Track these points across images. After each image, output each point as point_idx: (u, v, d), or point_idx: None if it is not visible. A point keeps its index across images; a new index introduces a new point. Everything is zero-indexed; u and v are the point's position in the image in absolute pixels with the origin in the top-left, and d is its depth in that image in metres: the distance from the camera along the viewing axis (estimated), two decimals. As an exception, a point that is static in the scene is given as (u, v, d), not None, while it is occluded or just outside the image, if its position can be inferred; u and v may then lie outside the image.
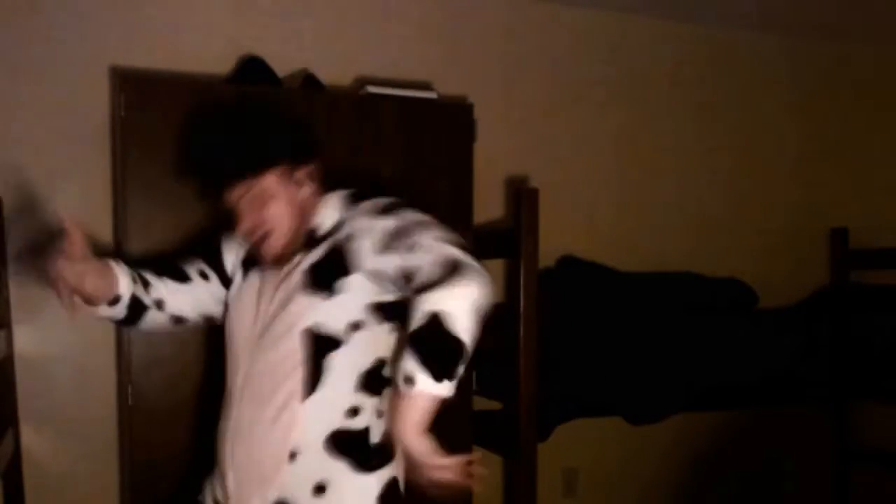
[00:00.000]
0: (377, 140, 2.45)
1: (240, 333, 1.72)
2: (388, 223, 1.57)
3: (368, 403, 1.63)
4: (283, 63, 2.70)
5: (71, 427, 2.58)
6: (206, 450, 1.79)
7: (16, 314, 2.47)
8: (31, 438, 2.52)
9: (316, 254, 1.65)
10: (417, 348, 1.43)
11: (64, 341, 2.57)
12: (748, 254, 3.54)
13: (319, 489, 1.59)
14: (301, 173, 1.70)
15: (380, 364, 1.64)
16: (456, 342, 1.44)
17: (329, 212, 1.70)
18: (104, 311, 1.76)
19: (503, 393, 2.70)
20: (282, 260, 1.69)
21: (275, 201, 1.66)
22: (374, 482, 1.63)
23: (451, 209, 2.51)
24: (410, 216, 1.59)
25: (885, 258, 3.50)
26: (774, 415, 3.56)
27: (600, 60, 3.33)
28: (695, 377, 2.90)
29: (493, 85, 3.12)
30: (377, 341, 1.63)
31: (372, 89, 2.56)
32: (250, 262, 1.79)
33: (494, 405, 2.84)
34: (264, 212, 1.66)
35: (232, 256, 1.86)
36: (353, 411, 1.61)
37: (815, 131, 3.72)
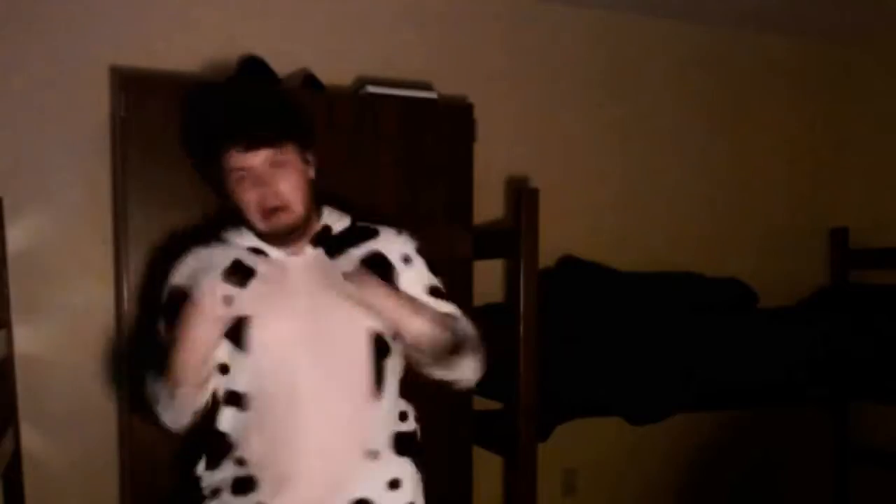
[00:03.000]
0: (377, 140, 2.44)
1: (284, 332, 1.64)
2: (432, 280, 1.77)
3: (409, 407, 1.76)
4: (283, 63, 2.69)
5: (71, 427, 2.58)
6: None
7: (16, 314, 2.47)
8: (31, 438, 2.51)
9: (358, 253, 1.69)
10: None
11: (64, 341, 2.57)
12: (748, 254, 3.54)
13: (394, 484, 1.70)
14: (310, 156, 1.72)
15: (406, 372, 1.75)
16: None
17: (335, 215, 1.76)
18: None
19: (503, 393, 2.69)
20: (287, 241, 1.67)
21: (295, 174, 1.65)
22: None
23: (451, 209, 2.51)
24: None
25: (885, 258, 3.50)
26: (774, 415, 3.56)
27: (600, 60, 3.33)
28: (695, 377, 2.89)
29: (493, 85, 3.11)
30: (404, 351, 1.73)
31: (372, 89, 2.55)
32: (237, 268, 1.64)
33: (494, 405, 2.84)
34: (284, 183, 1.64)
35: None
36: (403, 415, 1.74)
37: (814, 131, 3.73)
